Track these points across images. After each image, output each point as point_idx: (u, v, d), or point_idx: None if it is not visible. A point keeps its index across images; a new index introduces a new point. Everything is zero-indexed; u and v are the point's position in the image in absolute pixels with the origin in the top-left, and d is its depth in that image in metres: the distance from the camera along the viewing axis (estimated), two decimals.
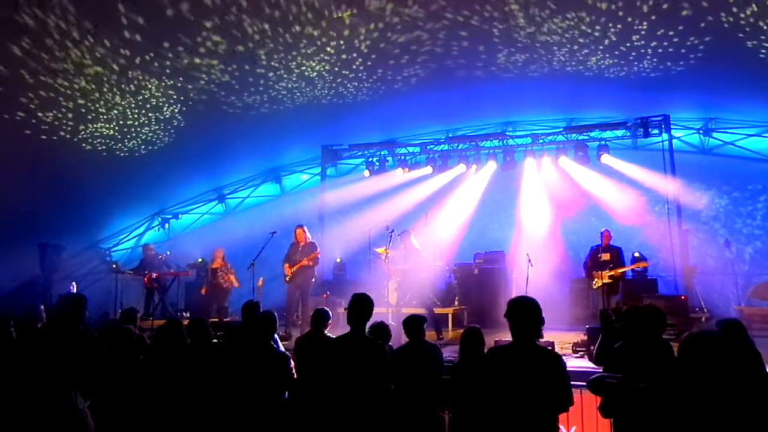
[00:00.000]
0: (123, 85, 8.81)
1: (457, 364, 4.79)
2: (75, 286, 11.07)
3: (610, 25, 8.08)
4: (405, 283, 8.85)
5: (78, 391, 3.80)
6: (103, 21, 7.31)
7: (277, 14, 7.60)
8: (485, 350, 4.62)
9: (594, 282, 9.02)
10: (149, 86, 8.97)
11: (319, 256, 9.12)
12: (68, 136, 9.59)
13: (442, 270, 11.14)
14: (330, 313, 5.52)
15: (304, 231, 9.20)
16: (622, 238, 9.99)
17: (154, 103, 9.49)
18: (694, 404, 2.52)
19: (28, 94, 8.39)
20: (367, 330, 4.48)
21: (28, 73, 7.95)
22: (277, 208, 13.84)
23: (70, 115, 9.15)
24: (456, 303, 10.17)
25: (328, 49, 8.62)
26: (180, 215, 14.96)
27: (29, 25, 7.03)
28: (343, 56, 8.90)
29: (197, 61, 8.43)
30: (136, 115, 9.74)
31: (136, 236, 14.75)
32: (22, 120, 8.80)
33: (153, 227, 14.98)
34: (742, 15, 7.48)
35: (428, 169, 12.47)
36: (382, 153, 12.75)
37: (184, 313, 10.99)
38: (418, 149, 12.59)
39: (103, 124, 9.73)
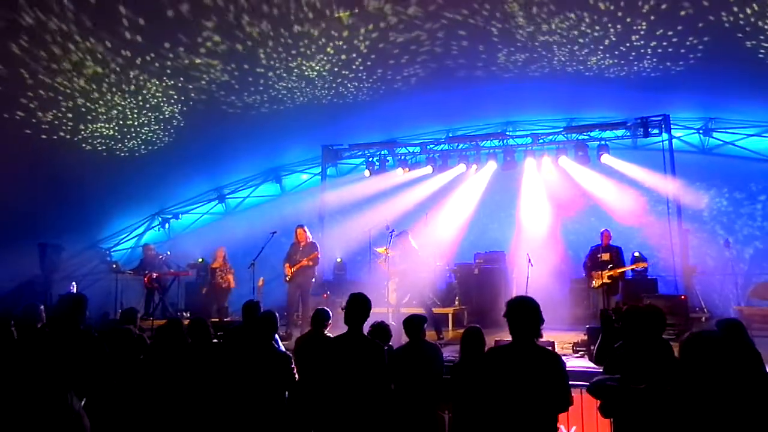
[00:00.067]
0: (123, 85, 8.81)
1: (457, 363, 4.79)
2: (75, 286, 11.08)
3: (610, 25, 8.09)
4: (404, 284, 8.85)
5: (73, 391, 3.79)
6: (104, 22, 7.32)
7: (276, 13, 7.61)
8: (486, 350, 4.62)
9: (593, 282, 9.03)
10: (149, 86, 8.98)
11: (319, 256, 9.13)
12: (68, 136, 9.60)
13: (442, 270, 11.14)
14: (330, 313, 5.52)
15: (305, 231, 9.21)
16: (622, 238, 10.00)
17: (154, 103, 9.49)
18: (694, 404, 2.52)
19: (27, 94, 8.39)
20: (367, 330, 4.47)
21: (27, 72, 7.96)
22: (278, 207, 13.84)
23: (69, 115, 9.15)
24: (456, 303, 10.17)
25: (328, 49, 8.63)
26: (180, 215, 14.96)
27: (29, 25, 7.03)
28: (343, 56, 8.90)
29: (197, 61, 8.44)
30: (136, 115, 9.75)
31: (136, 236, 14.75)
32: (21, 120, 8.80)
33: (153, 227, 14.98)
34: (742, 15, 7.48)
35: (428, 169, 12.47)
36: (383, 153, 12.75)
37: (185, 313, 10.98)
38: (418, 149, 12.59)
39: (103, 124, 9.73)
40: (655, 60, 8.94)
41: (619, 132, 11.55)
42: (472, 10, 7.83)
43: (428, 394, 4.70)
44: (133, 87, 8.91)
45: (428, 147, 12.47)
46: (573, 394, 3.52)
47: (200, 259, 12.03)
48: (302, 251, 9.01)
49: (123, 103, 9.28)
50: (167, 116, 9.95)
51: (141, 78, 8.72)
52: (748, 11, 7.39)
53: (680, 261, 10.39)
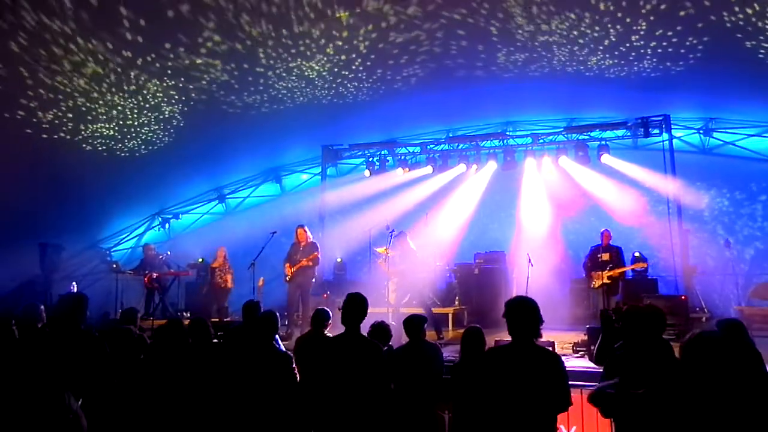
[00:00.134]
0: (123, 85, 8.82)
1: (457, 363, 4.79)
2: (75, 285, 11.08)
3: (610, 25, 8.09)
4: (404, 284, 8.86)
5: (71, 392, 3.79)
6: (105, 22, 7.32)
7: (276, 13, 7.61)
8: (486, 350, 4.62)
9: (593, 282, 9.03)
10: (149, 86, 8.98)
11: (319, 256, 9.13)
12: (68, 136, 9.60)
13: (442, 270, 11.14)
14: (330, 313, 5.52)
15: (305, 231, 9.21)
16: (622, 238, 9.99)
17: (154, 103, 9.49)
18: (694, 404, 2.52)
19: (28, 94, 8.39)
20: (367, 330, 4.46)
21: (27, 72, 7.96)
22: (278, 207, 13.84)
23: (70, 115, 9.15)
24: (456, 303, 10.17)
25: (328, 49, 8.63)
26: (180, 215, 14.96)
27: (29, 25, 7.03)
28: (343, 56, 8.91)
29: (197, 61, 8.44)
30: (136, 115, 9.75)
31: (136, 236, 14.76)
32: (22, 119, 8.80)
33: (153, 227, 14.99)
34: (742, 15, 7.48)
35: (428, 169, 12.47)
36: (383, 153, 12.75)
37: (185, 313, 10.99)
38: (418, 149, 12.59)
39: (103, 124, 9.73)
40: (655, 60, 8.94)
41: (620, 132, 11.55)
42: (471, 10, 7.84)
43: (428, 394, 4.71)
44: (133, 87, 8.91)
45: (428, 147, 12.47)
46: (573, 394, 3.52)
47: (200, 259, 12.04)
48: (302, 251, 9.01)
49: (123, 103, 9.28)
50: (167, 116, 9.96)
51: (141, 78, 8.73)
52: (749, 11, 7.39)
53: (680, 261, 10.39)
